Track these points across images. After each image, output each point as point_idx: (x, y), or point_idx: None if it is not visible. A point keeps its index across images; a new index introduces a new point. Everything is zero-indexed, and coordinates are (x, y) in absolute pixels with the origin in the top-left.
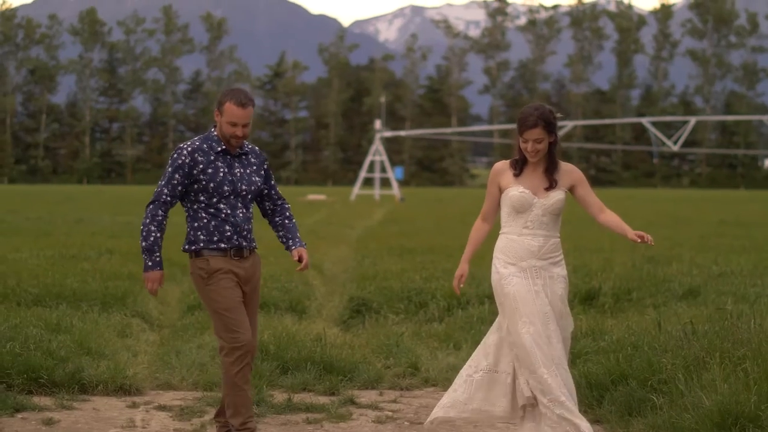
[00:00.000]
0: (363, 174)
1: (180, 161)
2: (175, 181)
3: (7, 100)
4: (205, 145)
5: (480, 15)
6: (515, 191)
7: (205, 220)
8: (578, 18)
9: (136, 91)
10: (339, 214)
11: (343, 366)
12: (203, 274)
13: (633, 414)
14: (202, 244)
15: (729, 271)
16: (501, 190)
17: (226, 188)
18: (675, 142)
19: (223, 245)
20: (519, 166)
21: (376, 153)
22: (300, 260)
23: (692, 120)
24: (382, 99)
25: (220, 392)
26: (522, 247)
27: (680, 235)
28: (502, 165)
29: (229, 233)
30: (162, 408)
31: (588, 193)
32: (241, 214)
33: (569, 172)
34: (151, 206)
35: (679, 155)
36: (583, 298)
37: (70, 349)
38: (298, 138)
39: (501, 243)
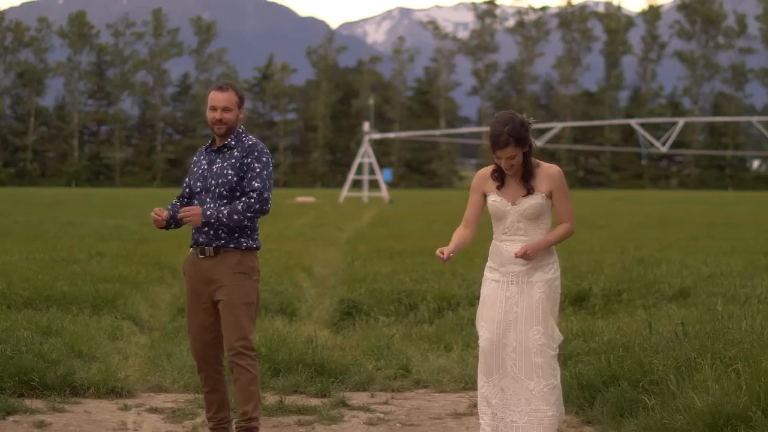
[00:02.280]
0: (351, 176)
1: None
2: (184, 183)
3: None
4: (203, 146)
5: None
6: (491, 199)
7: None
8: (567, 19)
9: (124, 93)
10: (328, 217)
11: (334, 368)
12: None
13: (624, 415)
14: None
15: (719, 272)
16: (485, 197)
17: (198, 185)
18: (663, 144)
19: (191, 243)
20: (500, 178)
21: (365, 155)
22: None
23: (681, 121)
24: (371, 101)
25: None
26: (501, 253)
27: (669, 237)
28: (485, 172)
29: (194, 230)
30: (154, 410)
31: (559, 202)
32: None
33: (550, 176)
34: None
35: (667, 156)
36: (573, 299)
37: (62, 352)
38: (286, 140)
39: (490, 248)
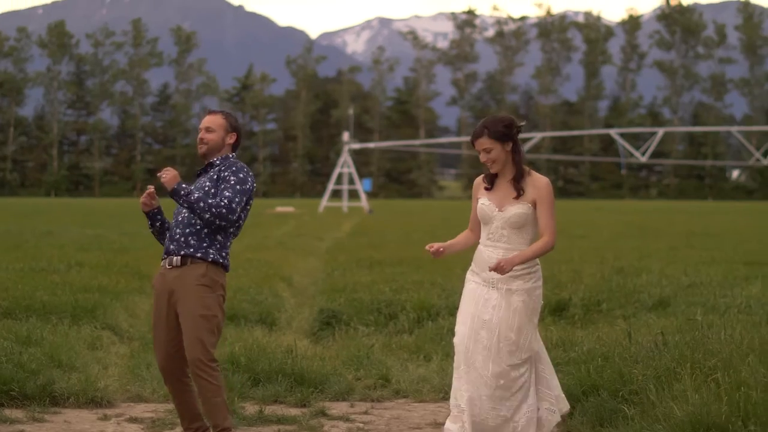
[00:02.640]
0: (331, 186)
1: None
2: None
3: None
4: None
5: (448, 27)
6: (480, 202)
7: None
8: (546, 29)
9: (104, 103)
10: (307, 226)
11: (314, 378)
12: None
13: (604, 425)
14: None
15: (698, 282)
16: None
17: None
18: (643, 154)
19: (162, 255)
20: (490, 180)
21: (345, 165)
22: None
23: (660, 131)
24: (350, 111)
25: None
26: (482, 258)
27: (649, 247)
28: (481, 177)
29: (167, 239)
30: (134, 420)
31: (542, 214)
32: (180, 217)
33: (536, 186)
34: None
35: (647, 166)
36: (553, 309)
37: (41, 362)
38: (266, 150)
39: (475, 253)
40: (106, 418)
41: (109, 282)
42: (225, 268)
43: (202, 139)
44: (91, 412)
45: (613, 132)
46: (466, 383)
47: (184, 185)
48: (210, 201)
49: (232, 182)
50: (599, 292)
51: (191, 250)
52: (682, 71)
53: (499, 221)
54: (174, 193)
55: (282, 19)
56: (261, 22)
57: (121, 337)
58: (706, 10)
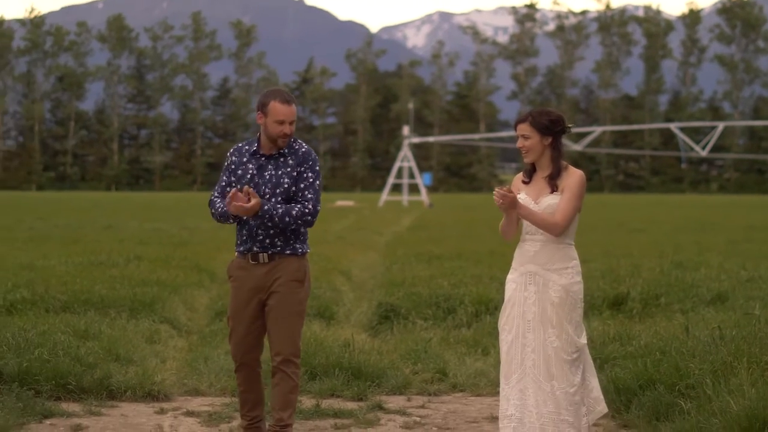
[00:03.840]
0: (391, 180)
1: (227, 162)
2: (223, 182)
3: (36, 107)
4: (245, 147)
5: (508, 21)
6: (519, 197)
7: (237, 223)
8: (606, 23)
9: (164, 97)
10: (367, 220)
11: (371, 372)
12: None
13: (661, 419)
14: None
15: (757, 276)
16: None
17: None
18: (703, 148)
19: (241, 248)
20: (529, 174)
21: (405, 159)
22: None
23: (720, 125)
24: (410, 105)
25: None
26: (522, 252)
27: (708, 240)
28: (520, 174)
29: (245, 236)
30: (190, 414)
31: (563, 199)
32: (257, 219)
33: (567, 176)
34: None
35: (707, 160)
36: (611, 303)
37: (99, 356)
38: (326, 144)
39: (516, 248)
40: (162, 411)
41: (168, 276)
42: (308, 252)
43: (289, 134)
44: (147, 406)
45: (674, 126)
46: (518, 391)
47: (266, 206)
48: (294, 212)
49: (311, 180)
50: (658, 286)
51: (278, 249)
52: (742, 65)
53: None
54: (257, 218)
55: (342, 13)
56: (321, 16)
57: (179, 330)
58: (766, 4)
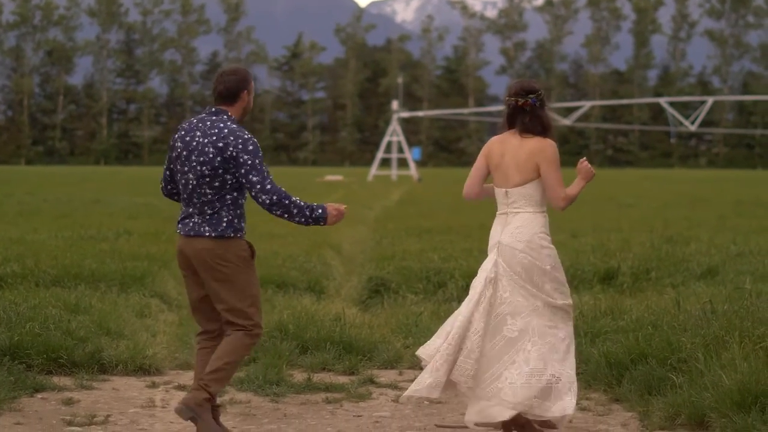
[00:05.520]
0: (380, 154)
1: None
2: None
3: (25, 81)
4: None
5: None
6: None
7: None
8: None
9: (153, 72)
10: (356, 195)
11: (362, 346)
12: (247, 255)
13: (652, 393)
14: (243, 230)
15: (747, 251)
16: None
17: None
18: (692, 122)
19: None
20: None
21: (394, 133)
22: None
23: (710, 100)
24: (399, 80)
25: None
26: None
27: (698, 215)
28: None
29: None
30: (182, 388)
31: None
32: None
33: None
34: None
35: (696, 135)
36: (602, 277)
37: (90, 330)
38: (315, 119)
39: (545, 220)
40: (154, 385)
41: (158, 250)
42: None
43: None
44: (139, 380)
45: (663, 101)
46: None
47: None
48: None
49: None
50: (648, 261)
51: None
52: (732, 40)
53: None
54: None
55: None
56: None
57: (170, 305)
58: None
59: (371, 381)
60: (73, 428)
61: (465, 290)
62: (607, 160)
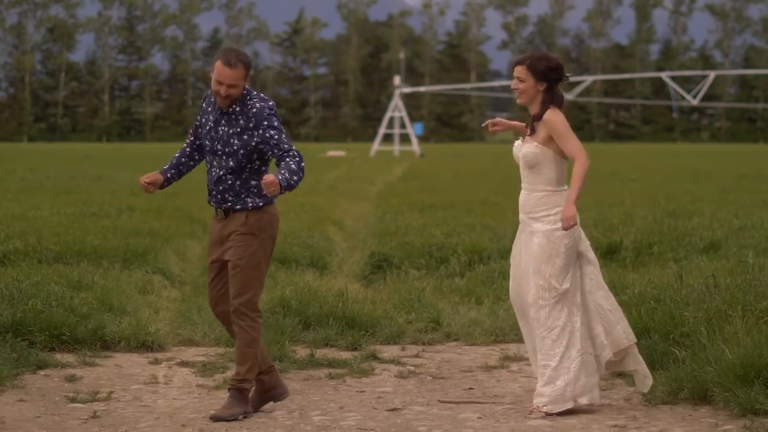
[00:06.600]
0: (382, 130)
1: (202, 103)
2: (196, 122)
3: (26, 58)
4: (213, 97)
5: None
6: (516, 143)
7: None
8: None
9: (154, 48)
10: (359, 170)
11: (365, 321)
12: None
13: (656, 367)
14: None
15: (750, 225)
16: None
17: (207, 143)
18: (694, 97)
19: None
20: (530, 122)
21: (396, 109)
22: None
23: (711, 74)
24: (401, 55)
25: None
26: (520, 200)
27: (701, 190)
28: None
29: (210, 190)
30: (184, 364)
31: (562, 144)
32: (213, 173)
33: (545, 121)
34: None
35: (698, 109)
36: (604, 252)
37: (92, 306)
38: (317, 94)
39: None
40: (156, 361)
41: (160, 226)
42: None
43: (227, 96)
44: (141, 356)
45: (665, 75)
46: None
47: (283, 186)
48: (294, 166)
49: (276, 136)
50: (650, 235)
51: (229, 204)
52: (733, 14)
53: (520, 161)
54: (282, 191)
55: None
56: None
57: (172, 281)
58: None
59: (374, 356)
60: (76, 405)
61: (468, 265)
62: (609, 135)
